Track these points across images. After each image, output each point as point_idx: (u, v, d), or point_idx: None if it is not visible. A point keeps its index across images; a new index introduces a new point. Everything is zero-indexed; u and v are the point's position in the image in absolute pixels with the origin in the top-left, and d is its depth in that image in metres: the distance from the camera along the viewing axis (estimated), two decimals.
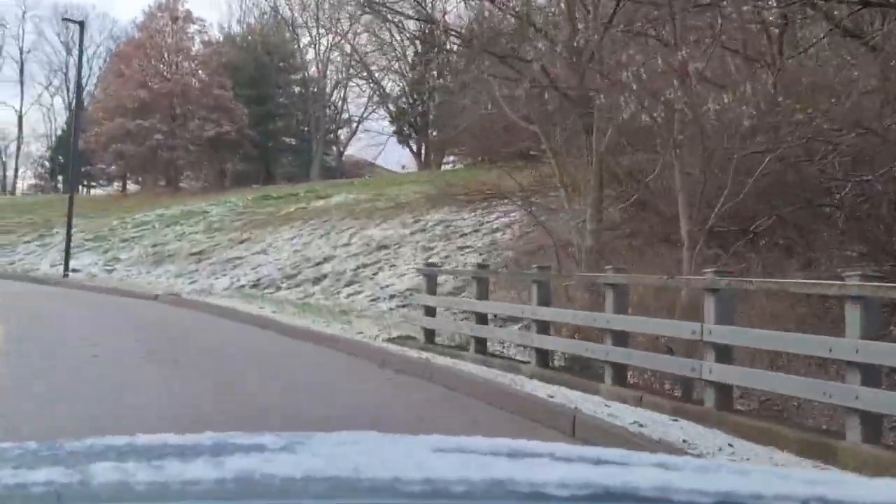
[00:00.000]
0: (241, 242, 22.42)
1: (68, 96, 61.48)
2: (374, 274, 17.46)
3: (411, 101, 37.25)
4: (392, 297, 15.76)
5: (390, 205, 23.20)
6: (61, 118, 60.30)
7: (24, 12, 55.89)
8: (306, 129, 41.02)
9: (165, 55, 35.30)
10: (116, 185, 44.23)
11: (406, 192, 24.35)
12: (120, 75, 34.85)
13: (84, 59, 54.74)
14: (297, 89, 40.70)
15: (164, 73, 35.36)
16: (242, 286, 18.60)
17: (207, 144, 34.46)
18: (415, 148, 40.41)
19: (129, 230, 25.87)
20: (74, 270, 21.27)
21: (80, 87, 18.02)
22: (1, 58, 59.18)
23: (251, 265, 20.14)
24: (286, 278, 18.49)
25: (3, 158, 59.30)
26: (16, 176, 59.58)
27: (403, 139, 38.62)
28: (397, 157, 47.42)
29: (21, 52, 60.58)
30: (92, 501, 0.78)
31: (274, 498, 0.82)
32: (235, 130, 34.49)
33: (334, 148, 42.70)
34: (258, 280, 18.83)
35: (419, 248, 18.32)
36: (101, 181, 45.29)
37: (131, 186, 42.13)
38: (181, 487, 0.78)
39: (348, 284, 17.18)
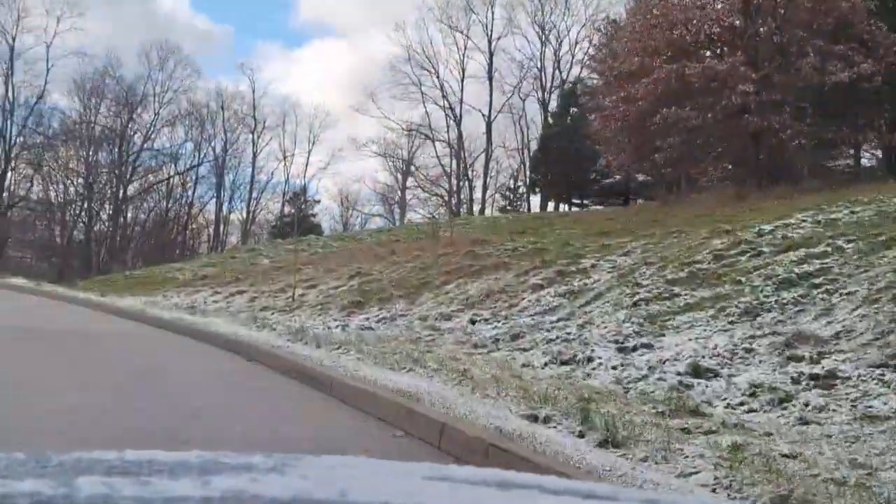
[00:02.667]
0: None
1: (543, 96, 50.26)
2: None
3: None
4: None
5: None
6: (535, 127, 49.07)
7: None
8: None
9: None
10: (627, 198, 30.48)
11: None
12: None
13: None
14: None
15: None
16: None
17: (827, 99, 18.19)
18: None
19: (781, 266, 10.38)
20: (685, 386, 6.35)
21: None
22: (466, 52, 50.62)
23: None
24: None
25: (470, 176, 50.29)
26: (484, 194, 50.11)
27: None
28: None
29: (490, 43, 50.86)
30: None
31: None
32: (881, 72, 17.85)
33: None
34: None
35: None
36: (596, 187, 31.81)
37: (645, 197, 27.85)
38: None
39: None
